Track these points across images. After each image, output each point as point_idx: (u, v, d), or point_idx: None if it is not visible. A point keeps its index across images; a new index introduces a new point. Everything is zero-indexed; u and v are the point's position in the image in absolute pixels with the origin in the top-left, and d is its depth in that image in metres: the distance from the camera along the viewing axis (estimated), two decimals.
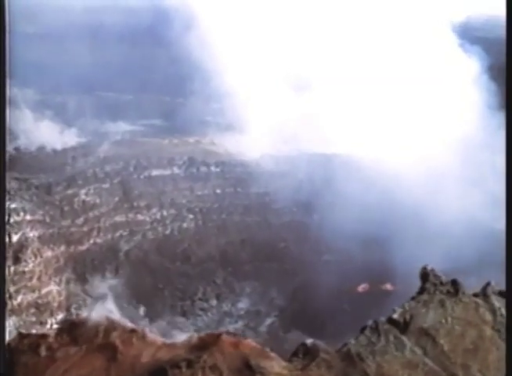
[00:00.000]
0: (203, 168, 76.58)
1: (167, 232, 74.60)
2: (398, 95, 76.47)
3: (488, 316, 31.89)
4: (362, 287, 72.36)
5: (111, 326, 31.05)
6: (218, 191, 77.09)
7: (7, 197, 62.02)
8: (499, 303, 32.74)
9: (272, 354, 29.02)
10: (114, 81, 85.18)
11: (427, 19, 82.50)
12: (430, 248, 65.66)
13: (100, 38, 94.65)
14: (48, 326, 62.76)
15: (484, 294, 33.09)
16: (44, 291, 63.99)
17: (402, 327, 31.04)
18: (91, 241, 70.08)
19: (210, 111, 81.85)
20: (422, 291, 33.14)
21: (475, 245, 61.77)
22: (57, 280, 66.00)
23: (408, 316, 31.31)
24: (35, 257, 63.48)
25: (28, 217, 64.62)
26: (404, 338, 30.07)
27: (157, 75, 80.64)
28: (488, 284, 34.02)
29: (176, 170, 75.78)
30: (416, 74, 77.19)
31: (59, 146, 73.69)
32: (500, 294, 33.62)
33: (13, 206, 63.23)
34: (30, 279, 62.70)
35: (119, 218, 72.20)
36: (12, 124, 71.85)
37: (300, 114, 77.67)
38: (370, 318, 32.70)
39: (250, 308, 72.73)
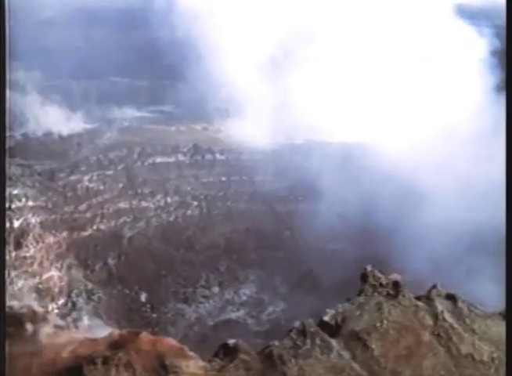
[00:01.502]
0: (209, 156, 76.09)
1: (172, 219, 74.67)
2: (398, 80, 74.50)
3: (429, 321, 30.68)
4: None
5: (37, 319, 31.14)
6: (224, 179, 76.67)
7: (9, 183, 62.97)
8: (442, 306, 31.49)
9: (191, 354, 28.62)
10: (123, 66, 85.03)
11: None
12: (433, 238, 64.58)
13: (108, 23, 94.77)
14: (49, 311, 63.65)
15: (427, 297, 31.84)
16: (45, 276, 64.87)
17: (334, 329, 30.15)
18: (95, 227, 70.64)
19: (219, 98, 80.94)
20: (360, 292, 32.14)
21: (474, 235, 60.61)
22: (58, 265, 66.84)
23: (340, 319, 30.41)
24: (37, 243, 64.37)
25: (30, 203, 65.44)
26: (332, 341, 29.19)
27: (166, 60, 79.91)
28: (433, 287, 32.75)
29: (181, 157, 75.60)
30: (414, 56, 75.07)
31: (65, 132, 74.13)
32: (447, 297, 32.36)
33: (15, 192, 64.14)
34: (32, 264, 63.62)
35: (123, 205, 72.59)
36: (19, 109, 72.86)
37: (306, 102, 76.30)
38: None
39: (253, 296, 72.47)
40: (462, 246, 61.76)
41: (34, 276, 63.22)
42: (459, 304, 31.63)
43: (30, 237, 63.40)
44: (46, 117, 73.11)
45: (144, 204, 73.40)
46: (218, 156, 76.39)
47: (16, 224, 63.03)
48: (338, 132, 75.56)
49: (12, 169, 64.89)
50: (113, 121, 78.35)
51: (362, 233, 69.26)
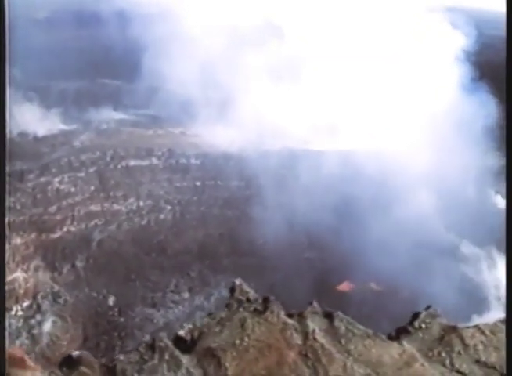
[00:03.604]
0: (183, 160, 75.27)
1: (144, 223, 74.05)
2: (374, 83, 72.88)
3: (297, 340, 28.94)
4: (343, 286, 70.10)
5: None
6: (198, 183, 75.72)
7: None
8: (314, 325, 29.84)
9: (32, 365, 27.62)
10: (103, 67, 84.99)
11: None
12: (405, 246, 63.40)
13: (92, 23, 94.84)
14: (13, 312, 63.74)
15: (300, 314, 30.21)
16: (10, 277, 64.66)
17: (189, 345, 28.82)
18: (65, 229, 70.35)
19: (198, 102, 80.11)
20: (226, 306, 30.74)
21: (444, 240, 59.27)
22: (25, 267, 66.67)
23: (196, 334, 29.05)
24: None
25: None
26: (182, 358, 27.81)
27: (149, 62, 79.47)
28: (309, 304, 31.15)
29: (155, 161, 74.92)
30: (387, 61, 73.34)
31: (40, 133, 74.16)
32: (325, 315, 30.72)
33: None
34: None
35: (94, 208, 72.14)
36: None
37: (285, 108, 75.10)
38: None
39: (223, 302, 71.19)
40: (431, 251, 60.46)
41: None
42: (336, 323, 29.90)
43: None
44: (23, 117, 73.06)
45: (116, 207, 72.93)
46: (192, 160, 75.49)
47: None
48: (315, 139, 73.99)
49: None
50: (91, 122, 77.91)
51: (338, 241, 67.82)
